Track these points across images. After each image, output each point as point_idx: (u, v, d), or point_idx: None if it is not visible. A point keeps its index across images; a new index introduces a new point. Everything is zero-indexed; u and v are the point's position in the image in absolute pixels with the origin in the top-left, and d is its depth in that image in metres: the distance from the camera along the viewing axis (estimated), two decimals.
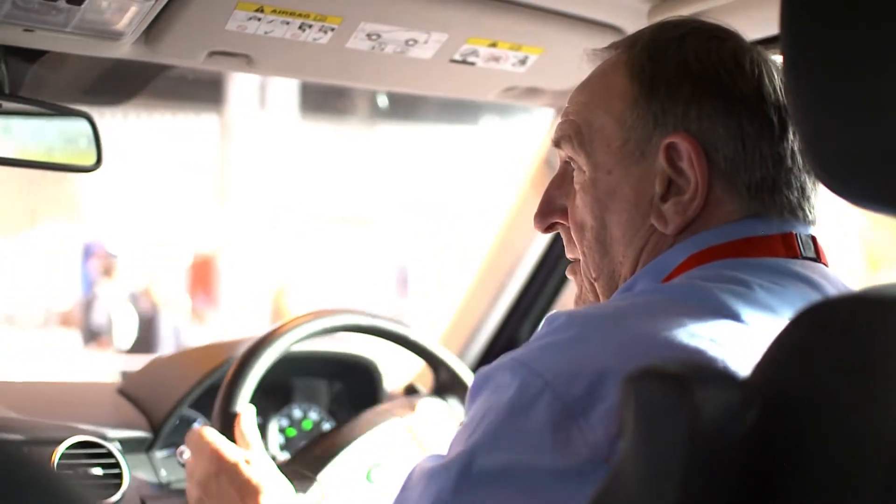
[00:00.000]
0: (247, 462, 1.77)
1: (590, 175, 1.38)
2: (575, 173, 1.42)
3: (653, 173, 1.34)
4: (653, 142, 1.34)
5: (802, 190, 1.35)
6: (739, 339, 1.17)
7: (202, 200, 15.72)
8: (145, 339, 11.30)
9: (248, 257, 14.52)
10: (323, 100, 14.33)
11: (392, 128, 15.80)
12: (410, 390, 2.44)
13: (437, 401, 2.19)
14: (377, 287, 15.18)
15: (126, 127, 15.15)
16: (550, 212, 1.48)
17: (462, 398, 2.19)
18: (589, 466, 1.10)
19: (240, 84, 14.25)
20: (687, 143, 1.31)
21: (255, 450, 1.83)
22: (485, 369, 1.24)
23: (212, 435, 1.82)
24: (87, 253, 14.13)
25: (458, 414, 2.20)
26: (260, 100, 14.77)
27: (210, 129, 15.63)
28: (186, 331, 12.10)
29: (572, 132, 1.41)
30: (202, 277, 14.75)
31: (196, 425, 2.37)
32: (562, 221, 1.46)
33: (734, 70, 1.33)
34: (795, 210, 1.34)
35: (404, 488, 1.31)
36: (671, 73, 1.34)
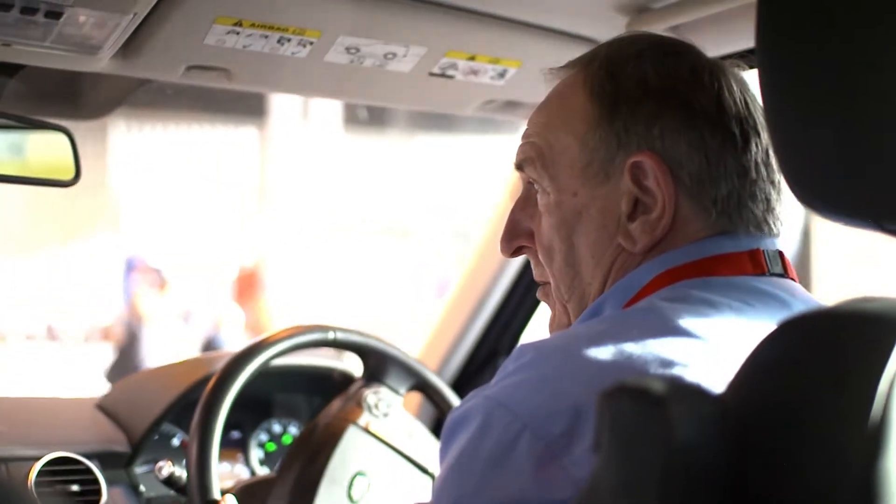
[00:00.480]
0: None
1: (555, 197, 1.37)
2: (539, 195, 1.40)
3: (619, 193, 1.32)
4: (616, 162, 1.32)
5: (767, 202, 1.33)
6: (709, 361, 1.16)
7: (242, 212, 15.65)
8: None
9: (292, 269, 14.43)
10: (363, 110, 14.26)
11: (432, 138, 15.72)
12: (345, 378, 2.44)
13: (376, 389, 2.18)
14: (421, 297, 15.08)
15: (165, 139, 15.15)
16: (516, 235, 1.46)
17: (394, 377, 2.21)
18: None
19: (279, 95, 14.21)
20: (651, 161, 1.29)
21: None
22: (459, 410, 1.22)
23: None
24: (129, 267, 14.00)
25: (397, 394, 2.20)
26: (302, 111, 14.71)
27: (250, 141, 15.60)
28: (235, 342, 11.89)
29: (535, 154, 1.39)
30: (247, 289, 14.63)
31: (175, 441, 2.37)
32: (528, 244, 1.44)
33: (693, 84, 1.32)
34: (761, 224, 1.33)
35: None
36: (631, 91, 1.32)
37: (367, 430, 2.09)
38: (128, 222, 15.32)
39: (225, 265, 14.38)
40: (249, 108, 14.25)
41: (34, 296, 13.84)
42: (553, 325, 1.48)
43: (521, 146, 1.42)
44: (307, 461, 2.04)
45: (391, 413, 2.15)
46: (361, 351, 2.19)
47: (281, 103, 14.32)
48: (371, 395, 2.14)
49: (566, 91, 1.40)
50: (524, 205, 1.45)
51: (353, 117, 14.56)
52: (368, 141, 15.53)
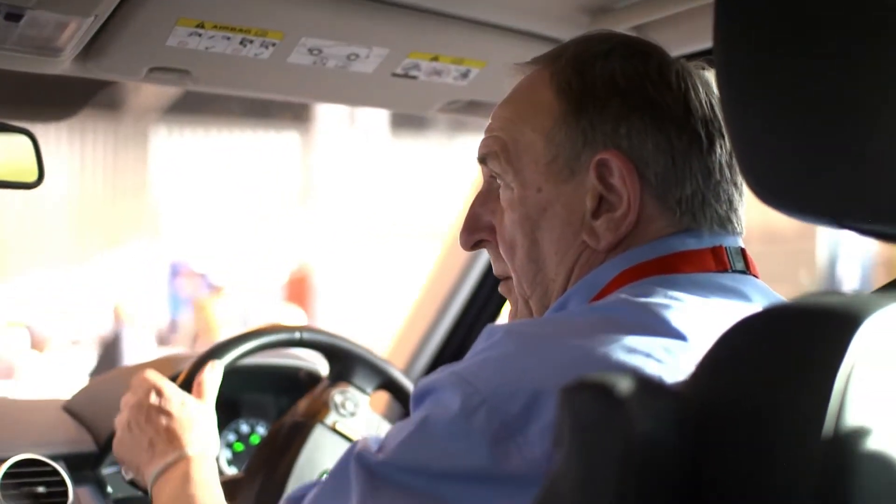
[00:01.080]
0: (182, 403, 1.82)
1: (518, 192, 1.37)
2: (501, 190, 1.40)
3: (583, 190, 1.33)
4: (582, 159, 1.33)
5: (730, 202, 1.34)
6: (675, 354, 1.17)
7: (285, 217, 15.58)
8: None
9: (337, 273, 14.31)
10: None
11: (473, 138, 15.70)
12: (311, 377, 2.43)
13: (343, 388, 2.17)
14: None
15: (206, 144, 15.10)
16: (476, 229, 1.46)
17: (360, 376, 2.20)
18: (526, 479, 1.11)
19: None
20: (617, 159, 1.30)
21: (205, 399, 1.88)
22: (425, 381, 1.24)
23: (155, 375, 1.87)
24: (174, 272, 13.85)
25: (364, 393, 2.20)
26: (348, 115, 14.65)
27: (292, 145, 15.55)
28: None
29: (499, 149, 1.39)
30: (299, 293, 14.43)
31: None
32: (488, 238, 1.44)
33: (661, 85, 1.33)
34: (724, 223, 1.34)
35: (336, 468, 1.30)
36: (599, 89, 1.33)
37: (333, 430, 2.10)
38: (169, 227, 15.27)
39: (273, 269, 14.24)
40: (292, 112, 14.22)
41: (79, 301, 13.77)
42: (513, 320, 1.48)
43: (484, 140, 1.43)
44: (274, 461, 2.04)
45: (358, 412, 2.15)
46: (328, 350, 2.20)
47: (324, 107, 14.27)
48: (338, 395, 2.14)
49: (532, 87, 1.40)
50: (485, 199, 1.45)
51: (397, 120, 14.52)
52: (411, 144, 15.52)
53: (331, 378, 2.20)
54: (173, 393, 1.83)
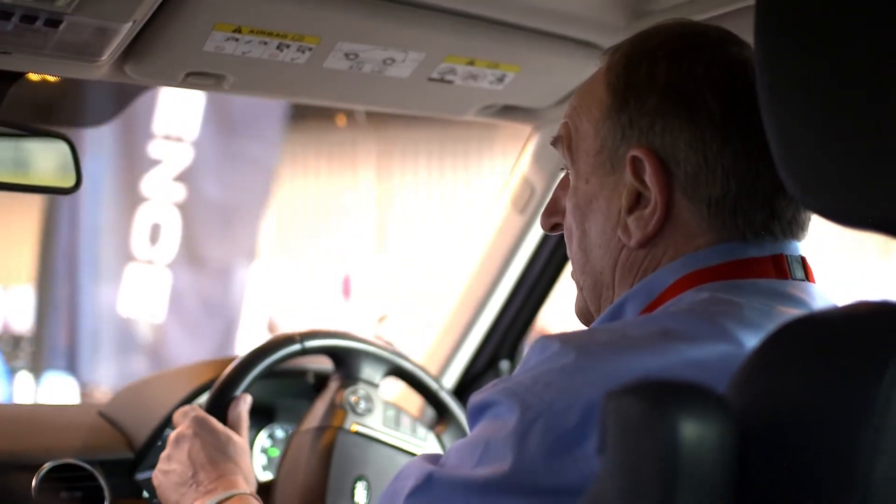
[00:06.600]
0: (228, 439, 1.81)
1: (573, 181, 1.40)
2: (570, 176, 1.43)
3: (622, 185, 1.33)
4: (620, 154, 1.33)
5: (771, 207, 1.30)
6: (731, 364, 1.12)
7: None
8: None
9: None
10: None
11: None
12: (320, 379, 2.38)
13: (353, 387, 2.15)
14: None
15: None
16: (555, 212, 1.48)
17: (366, 369, 2.18)
18: (581, 493, 1.10)
19: None
20: (648, 157, 1.30)
21: (244, 436, 1.88)
22: (480, 396, 1.24)
23: (202, 410, 1.86)
24: None
25: (373, 385, 2.18)
26: None
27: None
28: None
29: (565, 134, 1.42)
30: None
31: None
32: (562, 222, 1.46)
33: (704, 82, 1.30)
34: (758, 230, 1.30)
35: (396, 479, 1.31)
36: (640, 85, 1.32)
37: (354, 433, 2.08)
38: None
39: None
40: None
41: None
42: (575, 308, 1.50)
43: (561, 124, 1.45)
44: (306, 472, 2.03)
45: (373, 408, 2.14)
46: (329, 353, 2.15)
47: None
48: (350, 395, 2.12)
49: (593, 78, 1.42)
50: (566, 183, 1.47)
51: None
52: None
53: (339, 378, 2.17)
54: (219, 428, 1.82)
